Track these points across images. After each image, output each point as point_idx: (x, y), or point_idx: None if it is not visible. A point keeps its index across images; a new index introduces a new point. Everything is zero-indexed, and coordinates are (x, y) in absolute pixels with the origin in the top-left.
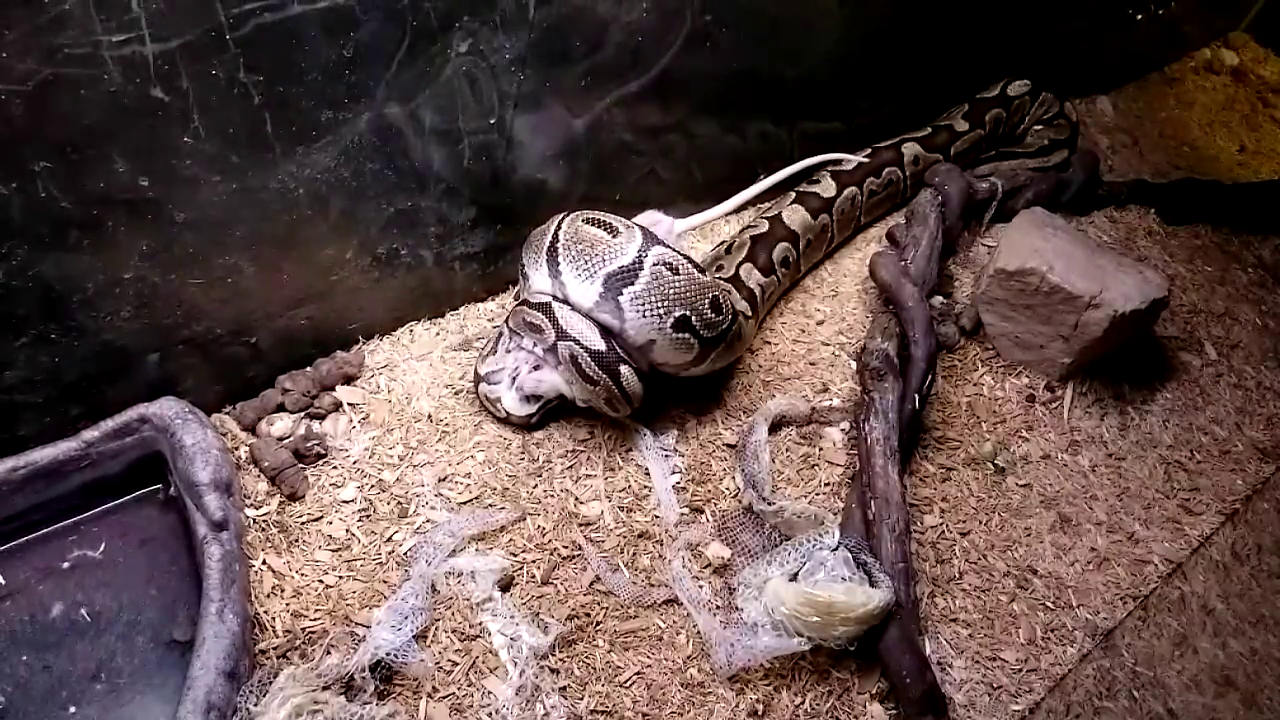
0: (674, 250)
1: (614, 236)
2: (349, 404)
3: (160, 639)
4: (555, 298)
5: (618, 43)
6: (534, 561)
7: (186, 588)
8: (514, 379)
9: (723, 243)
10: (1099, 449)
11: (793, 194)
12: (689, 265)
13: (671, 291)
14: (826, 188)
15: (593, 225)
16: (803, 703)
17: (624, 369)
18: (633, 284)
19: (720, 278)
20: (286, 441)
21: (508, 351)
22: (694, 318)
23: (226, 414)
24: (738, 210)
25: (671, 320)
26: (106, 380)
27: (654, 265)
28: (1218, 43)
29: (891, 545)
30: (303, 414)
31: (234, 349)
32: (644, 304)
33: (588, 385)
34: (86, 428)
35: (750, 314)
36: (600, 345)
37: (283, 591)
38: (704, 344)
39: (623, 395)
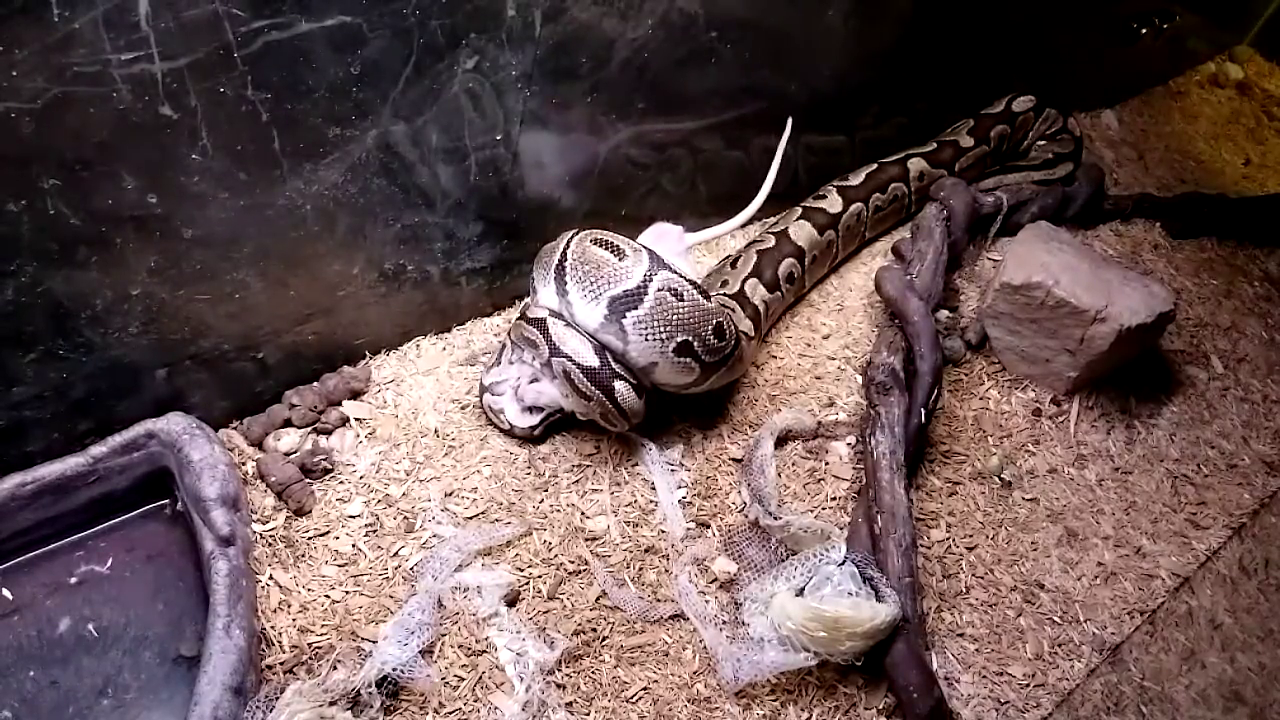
0: (679, 275)
1: (620, 259)
2: (356, 419)
3: (167, 654)
4: (562, 315)
5: (623, 59)
6: (540, 576)
7: (193, 603)
8: (516, 390)
9: (728, 257)
10: (1105, 463)
11: (799, 209)
12: (693, 291)
13: (675, 317)
14: (832, 203)
15: (599, 246)
16: (810, 718)
17: (619, 385)
18: (636, 308)
19: (725, 293)
20: (293, 457)
21: (510, 363)
22: (696, 343)
23: (234, 429)
24: (745, 226)
25: (674, 345)
26: (114, 396)
27: (658, 290)
28: (1222, 56)
29: (898, 560)
30: (310, 429)
31: (241, 364)
32: (647, 328)
33: (582, 400)
34: (94, 443)
35: (753, 333)
36: (593, 362)
37: (289, 607)
38: (705, 367)
39: (618, 411)
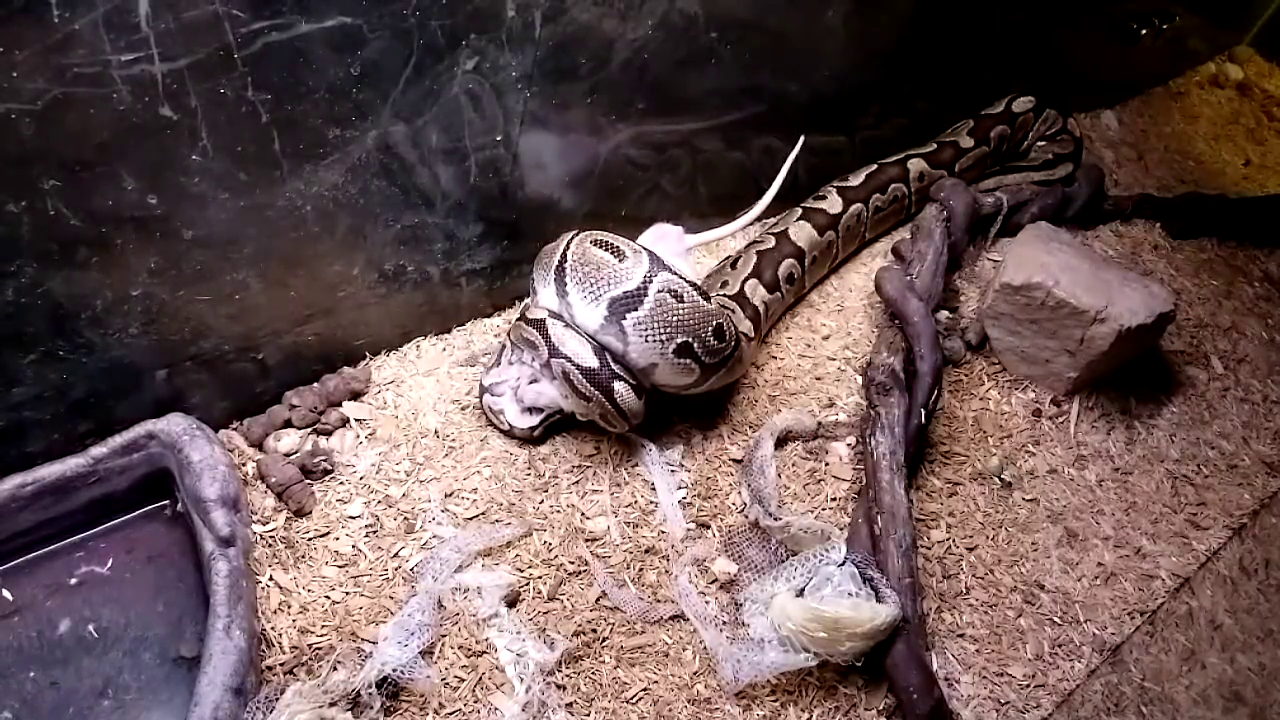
0: (679, 276)
1: (620, 260)
2: (356, 420)
3: (167, 655)
4: (561, 316)
5: (623, 60)
6: (540, 577)
7: (193, 604)
8: (515, 391)
9: (728, 258)
10: (1105, 463)
11: (799, 210)
12: (694, 292)
13: (674, 319)
14: (833, 204)
15: (599, 248)
16: (810, 719)
17: (618, 385)
18: (636, 309)
19: (724, 294)
20: (293, 457)
21: (510, 364)
22: (696, 344)
23: (234, 430)
24: (746, 228)
25: (674, 346)
26: (114, 397)
27: (658, 292)
28: (1222, 57)
29: (898, 560)
30: (310, 430)
31: (241, 365)
32: (647, 330)
33: (582, 401)
34: (94, 444)
35: (753, 334)
36: (592, 363)
37: (289, 607)
38: (705, 369)
39: (618, 411)
